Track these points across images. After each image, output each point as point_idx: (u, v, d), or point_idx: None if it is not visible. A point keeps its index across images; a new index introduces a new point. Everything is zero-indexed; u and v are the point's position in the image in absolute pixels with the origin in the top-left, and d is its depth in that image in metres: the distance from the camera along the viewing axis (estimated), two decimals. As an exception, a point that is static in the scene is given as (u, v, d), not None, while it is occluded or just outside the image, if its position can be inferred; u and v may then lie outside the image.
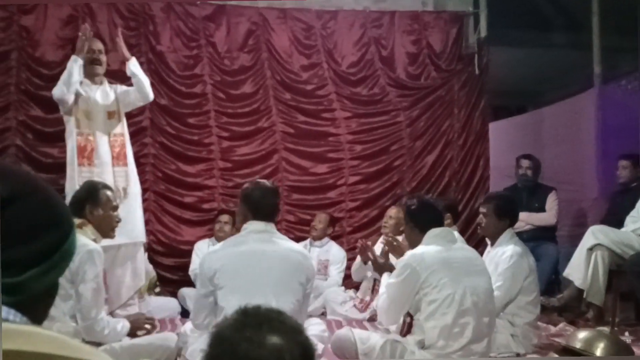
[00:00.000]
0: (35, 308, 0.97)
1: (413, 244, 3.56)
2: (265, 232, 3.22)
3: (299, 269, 3.18)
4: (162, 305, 5.14)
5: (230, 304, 2.95)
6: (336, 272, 5.72)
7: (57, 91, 4.59)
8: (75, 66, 4.60)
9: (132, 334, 3.55)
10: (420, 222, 3.53)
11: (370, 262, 4.33)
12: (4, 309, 0.89)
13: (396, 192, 6.43)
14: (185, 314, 5.17)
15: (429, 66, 6.55)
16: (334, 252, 5.83)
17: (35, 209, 0.96)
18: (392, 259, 4.42)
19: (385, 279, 3.74)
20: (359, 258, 5.37)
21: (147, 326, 3.65)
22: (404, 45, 6.53)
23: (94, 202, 3.48)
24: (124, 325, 3.49)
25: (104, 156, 4.61)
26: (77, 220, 3.38)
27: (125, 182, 4.67)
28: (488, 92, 6.65)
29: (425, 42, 6.53)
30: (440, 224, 3.55)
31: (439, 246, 3.41)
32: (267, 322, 1.21)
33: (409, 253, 3.51)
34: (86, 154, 4.51)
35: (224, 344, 1.20)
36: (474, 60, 6.56)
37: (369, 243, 4.80)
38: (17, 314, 0.91)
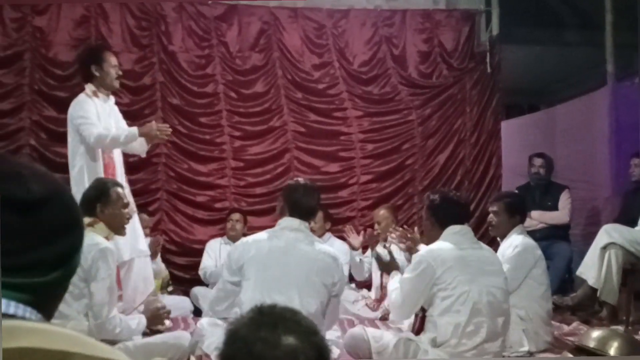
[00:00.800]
0: (51, 306, 0.98)
1: (431, 239, 3.54)
2: (299, 230, 3.28)
3: (326, 271, 3.23)
4: (175, 304, 5.14)
5: (252, 297, 2.98)
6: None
7: (99, 144, 4.25)
8: (133, 141, 4.38)
9: (151, 327, 3.56)
10: (441, 218, 3.50)
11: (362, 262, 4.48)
12: (21, 306, 0.90)
13: (408, 191, 6.42)
14: (197, 312, 5.19)
15: (441, 64, 6.53)
16: (337, 246, 5.81)
17: (63, 210, 0.98)
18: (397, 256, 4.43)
19: (394, 278, 3.72)
20: (355, 255, 5.44)
21: (167, 322, 3.65)
22: (416, 43, 6.51)
23: (105, 201, 3.49)
24: (140, 322, 3.49)
25: (119, 173, 4.57)
26: (87, 219, 3.39)
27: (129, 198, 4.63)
28: (500, 90, 6.62)
29: (437, 40, 6.51)
30: (461, 221, 3.51)
31: (456, 243, 3.39)
32: (282, 322, 1.21)
33: (425, 248, 3.51)
34: (110, 171, 4.38)
35: (239, 342, 1.20)
36: (486, 58, 6.54)
37: (376, 232, 4.94)
38: (33, 311, 0.91)
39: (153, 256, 5.27)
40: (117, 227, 3.54)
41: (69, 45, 5.94)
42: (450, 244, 3.39)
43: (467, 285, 3.26)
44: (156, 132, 4.40)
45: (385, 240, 5.45)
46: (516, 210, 4.25)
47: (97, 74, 4.35)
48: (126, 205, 3.61)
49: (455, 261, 3.31)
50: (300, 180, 3.52)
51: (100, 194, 3.51)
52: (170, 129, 4.61)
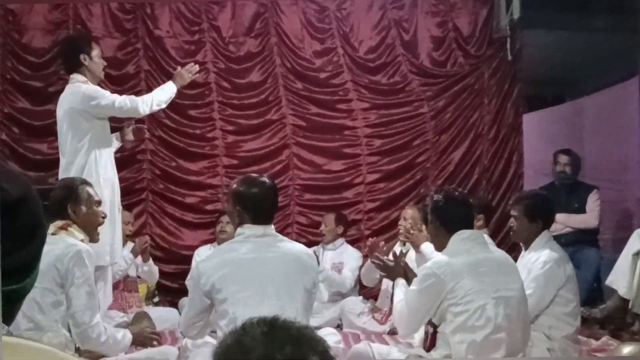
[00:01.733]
0: (13, 317, 0.98)
1: (439, 246, 3.48)
2: (265, 235, 3.17)
3: (304, 272, 3.14)
4: (162, 317, 5.16)
5: (233, 317, 2.95)
6: (348, 271, 5.68)
7: (145, 108, 4.56)
8: (172, 96, 4.74)
9: (137, 345, 3.56)
10: (448, 221, 3.43)
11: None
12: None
13: (419, 192, 6.41)
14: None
15: (456, 51, 6.52)
16: (349, 253, 5.81)
17: (34, 211, 0.98)
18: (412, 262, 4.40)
19: (400, 287, 3.68)
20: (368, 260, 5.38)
21: (155, 342, 3.66)
22: (428, 28, 6.50)
23: (75, 200, 3.50)
24: (125, 335, 3.49)
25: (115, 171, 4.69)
26: (59, 222, 3.40)
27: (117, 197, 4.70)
28: (521, 80, 6.60)
29: (452, 24, 6.50)
30: (469, 225, 3.46)
31: (467, 251, 3.34)
32: (305, 339, 1.19)
33: (433, 259, 3.46)
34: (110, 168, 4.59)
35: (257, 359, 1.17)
36: (505, 44, 6.51)
37: (381, 243, 4.88)
38: (2, 324, 0.91)
39: (143, 258, 5.32)
40: (91, 228, 3.56)
41: (45, 29, 5.96)
42: (461, 252, 3.34)
43: (482, 299, 3.21)
44: (189, 76, 4.81)
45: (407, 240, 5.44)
46: (538, 213, 4.19)
47: (86, 63, 4.51)
48: (99, 203, 3.62)
49: (468, 272, 3.24)
50: (252, 177, 3.33)
51: (69, 194, 3.52)
52: (197, 65, 4.92)
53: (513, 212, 4.26)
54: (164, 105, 4.75)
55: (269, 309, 2.79)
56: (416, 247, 4.16)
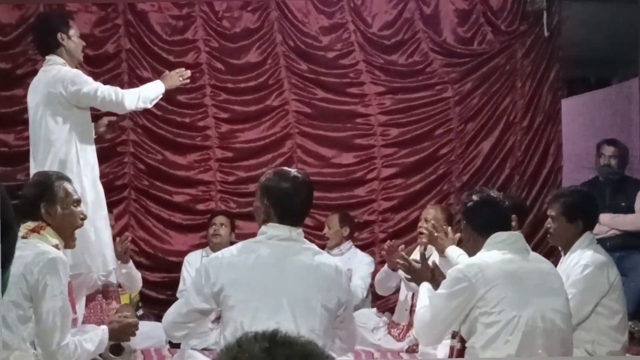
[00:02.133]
0: None
1: (471, 251, 3.54)
2: (290, 239, 3.19)
3: (326, 288, 3.14)
4: (146, 332, 5.13)
5: (237, 329, 2.96)
6: (359, 279, 5.65)
7: (130, 103, 4.58)
8: (159, 96, 4.76)
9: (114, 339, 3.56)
10: (481, 223, 3.50)
11: (400, 270, 4.45)
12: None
13: (442, 189, 6.43)
14: (174, 343, 5.18)
15: (484, 27, 6.50)
16: (358, 259, 5.79)
17: (3, 210, 0.98)
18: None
19: (424, 291, 3.69)
20: (385, 265, 5.41)
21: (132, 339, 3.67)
22: (453, 0, 6.47)
23: (50, 199, 3.49)
24: (94, 340, 3.46)
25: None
26: (31, 224, 3.39)
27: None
28: (560, 60, 6.59)
29: (480, -5, 6.49)
30: (506, 226, 3.51)
31: (504, 255, 3.37)
32: (310, 356, 1.17)
33: (464, 262, 3.47)
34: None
35: None
36: (542, 19, 6.50)
37: (401, 246, 4.87)
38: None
39: (123, 259, 5.25)
40: (67, 231, 3.54)
41: (11, 4, 5.93)
42: (496, 256, 3.38)
43: (516, 309, 3.24)
44: (179, 79, 4.84)
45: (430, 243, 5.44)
46: (578, 213, 4.20)
47: (64, 43, 4.56)
48: (77, 202, 3.61)
49: (503, 278, 3.29)
50: (284, 170, 3.39)
51: (43, 191, 3.51)
52: (189, 71, 4.93)
53: (550, 212, 4.28)
54: (149, 105, 4.75)
55: (282, 325, 2.79)
56: (440, 252, 4.17)
